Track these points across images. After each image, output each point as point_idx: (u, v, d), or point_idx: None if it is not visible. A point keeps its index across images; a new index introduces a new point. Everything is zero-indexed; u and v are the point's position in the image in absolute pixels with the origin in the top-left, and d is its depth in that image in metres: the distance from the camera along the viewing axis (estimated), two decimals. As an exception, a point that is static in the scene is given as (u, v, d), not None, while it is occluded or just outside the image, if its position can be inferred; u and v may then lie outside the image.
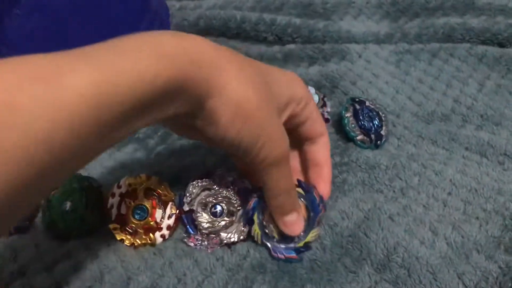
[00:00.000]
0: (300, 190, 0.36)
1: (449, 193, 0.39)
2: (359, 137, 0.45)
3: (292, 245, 0.36)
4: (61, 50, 0.21)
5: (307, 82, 0.50)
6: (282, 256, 0.35)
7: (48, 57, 0.21)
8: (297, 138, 0.36)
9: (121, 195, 0.37)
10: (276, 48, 0.58)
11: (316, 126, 0.35)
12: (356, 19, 0.62)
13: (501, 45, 0.55)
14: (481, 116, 0.47)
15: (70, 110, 0.20)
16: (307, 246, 0.36)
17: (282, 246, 0.36)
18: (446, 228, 0.36)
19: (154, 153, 0.46)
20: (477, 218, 0.37)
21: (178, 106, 0.25)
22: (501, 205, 0.38)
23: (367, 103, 0.47)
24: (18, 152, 0.18)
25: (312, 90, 0.48)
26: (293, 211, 0.33)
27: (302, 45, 0.58)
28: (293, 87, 0.32)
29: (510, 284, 0.31)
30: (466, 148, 0.44)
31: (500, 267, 0.33)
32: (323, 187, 0.36)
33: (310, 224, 0.36)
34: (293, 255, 0.35)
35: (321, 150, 0.36)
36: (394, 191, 0.40)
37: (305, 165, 0.38)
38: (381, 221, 0.36)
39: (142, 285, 0.34)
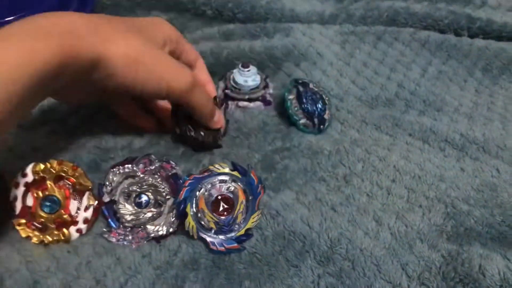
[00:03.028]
0: (236, 173, 0.33)
1: (393, 180, 0.37)
2: (302, 121, 0.42)
3: (232, 234, 0.32)
4: None
5: (250, 62, 0.46)
6: (223, 249, 0.32)
7: None
8: None
9: (26, 185, 0.32)
10: (215, 28, 0.54)
11: (192, 54, 0.40)
12: (300, -3, 0.59)
13: (441, 31, 0.54)
14: (424, 101, 0.46)
15: None
16: (248, 234, 0.32)
17: (222, 237, 0.32)
18: (390, 217, 0.34)
19: (72, 136, 0.40)
20: (420, 206, 0.36)
21: (73, 73, 0.28)
22: (443, 192, 0.37)
23: (311, 85, 0.44)
24: None
25: (253, 70, 0.45)
26: (215, 111, 0.39)
27: (243, 25, 0.54)
28: (162, 29, 0.36)
29: (453, 274, 0.30)
30: (410, 134, 0.43)
31: (443, 256, 0.32)
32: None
33: (250, 209, 0.33)
34: (235, 245, 0.32)
35: (201, 72, 0.41)
36: (337, 179, 0.38)
37: None
38: (323, 212, 0.34)
39: (51, 289, 0.29)
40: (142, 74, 0.31)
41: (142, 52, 0.31)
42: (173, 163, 0.34)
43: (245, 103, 0.44)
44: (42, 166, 0.32)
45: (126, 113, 0.40)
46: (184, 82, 0.33)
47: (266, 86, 0.45)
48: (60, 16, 0.29)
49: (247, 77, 0.44)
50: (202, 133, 0.38)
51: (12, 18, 0.48)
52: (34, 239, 0.31)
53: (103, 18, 0.31)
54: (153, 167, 0.33)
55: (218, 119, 0.39)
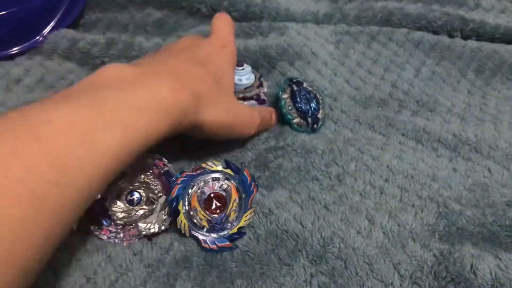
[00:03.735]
0: (229, 171, 0.32)
1: (386, 180, 0.37)
2: (296, 120, 0.42)
3: (224, 232, 0.32)
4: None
5: (244, 60, 0.46)
6: (215, 247, 0.31)
7: (85, 116, 0.25)
8: None
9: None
10: (210, 26, 0.53)
11: None
12: (295, -3, 0.59)
13: (435, 32, 0.55)
14: (417, 102, 0.47)
15: (104, 167, 0.25)
16: (240, 232, 0.32)
17: (214, 235, 0.32)
18: (382, 216, 0.34)
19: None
20: (413, 205, 0.36)
21: (170, 135, 0.31)
22: (435, 191, 0.37)
23: (305, 85, 0.44)
24: (63, 203, 0.23)
25: (248, 68, 0.45)
26: (271, 113, 0.43)
27: (238, 23, 0.54)
28: (233, 60, 0.39)
29: (445, 273, 0.31)
30: (403, 134, 0.43)
31: (435, 256, 0.32)
32: None
33: (242, 207, 0.33)
34: (227, 243, 0.32)
35: None
36: (330, 178, 0.37)
37: None
38: (316, 211, 0.34)
39: None
40: (223, 133, 0.36)
41: (225, 118, 0.35)
42: (166, 161, 0.34)
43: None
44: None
45: None
46: (253, 128, 0.39)
47: (260, 85, 0.45)
48: (179, 91, 0.30)
49: (241, 76, 0.44)
50: None
51: (4, 12, 0.48)
52: (24, 236, 0.31)
53: (202, 83, 0.33)
54: (145, 164, 0.33)
55: (274, 119, 0.43)
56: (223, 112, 0.35)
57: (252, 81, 0.44)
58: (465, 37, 0.54)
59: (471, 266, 0.30)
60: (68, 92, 0.27)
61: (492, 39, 0.54)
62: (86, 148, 0.24)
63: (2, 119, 0.24)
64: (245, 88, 0.44)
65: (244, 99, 0.44)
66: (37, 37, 0.50)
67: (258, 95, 0.44)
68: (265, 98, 0.45)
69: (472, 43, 0.53)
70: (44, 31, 0.51)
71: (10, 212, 0.21)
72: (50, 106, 0.24)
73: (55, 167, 0.22)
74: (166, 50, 0.39)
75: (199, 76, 0.34)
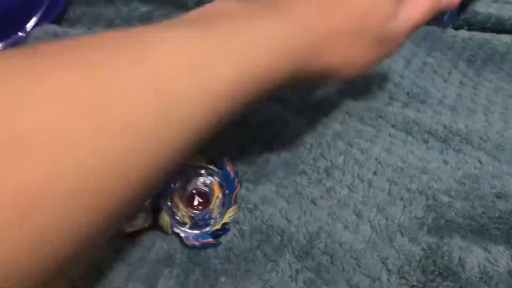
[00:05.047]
0: (212, 167, 0.32)
1: (375, 173, 0.37)
2: (284, 113, 0.41)
3: (207, 229, 0.31)
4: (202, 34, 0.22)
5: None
6: (197, 243, 0.31)
7: (196, 45, 0.21)
8: None
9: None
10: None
11: None
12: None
13: (426, 23, 0.54)
14: (408, 93, 0.46)
15: (216, 96, 0.21)
16: (224, 228, 0.32)
17: (197, 232, 0.31)
18: (370, 210, 0.34)
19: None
20: (402, 198, 0.35)
21: (291, 81, 0.27)
22: (424, 184, 0.36)
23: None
24: (165, 139, 0.20)
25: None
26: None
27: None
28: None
29: (433, 267, 0.30)
30: (393, 126, 0.42)
31: (423, 249, 0.31)
32: None
33: (226, 203, 0.32)
34: (210, 239, 0.31)
35: None
36: (318, 172, 0.37)
37: None
38: (302, 205, 0.34)
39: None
40: (361, 74, 0.31)
41: (362, 63, 0.30)
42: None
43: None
44: None
45: None
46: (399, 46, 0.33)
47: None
48: (305, 31, 0.26)
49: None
50: None
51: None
52: None
53: (335, 22, 0.28)
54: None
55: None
56: (358, 58, 0.29)
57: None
58: (456, 27, 0.53)
59: (459, 259, 0.30)
60: (175, 21, 0.23)
61: (483, 29, 0.53)
62: (196, 78, 0.20)
63: (99, 38, 0.20)
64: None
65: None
66: (20, 33, 0.49)
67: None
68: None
69: (463, 33, 0.52)
70: (27, 27, 0.50)
71: (108, 145, 0.17)
72: (157, 30, 0.21)
73: (159, 96, 0.19)
74: None
75: (334, 14, 0.28)
